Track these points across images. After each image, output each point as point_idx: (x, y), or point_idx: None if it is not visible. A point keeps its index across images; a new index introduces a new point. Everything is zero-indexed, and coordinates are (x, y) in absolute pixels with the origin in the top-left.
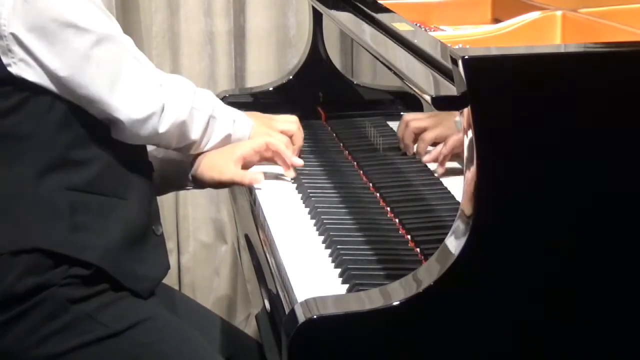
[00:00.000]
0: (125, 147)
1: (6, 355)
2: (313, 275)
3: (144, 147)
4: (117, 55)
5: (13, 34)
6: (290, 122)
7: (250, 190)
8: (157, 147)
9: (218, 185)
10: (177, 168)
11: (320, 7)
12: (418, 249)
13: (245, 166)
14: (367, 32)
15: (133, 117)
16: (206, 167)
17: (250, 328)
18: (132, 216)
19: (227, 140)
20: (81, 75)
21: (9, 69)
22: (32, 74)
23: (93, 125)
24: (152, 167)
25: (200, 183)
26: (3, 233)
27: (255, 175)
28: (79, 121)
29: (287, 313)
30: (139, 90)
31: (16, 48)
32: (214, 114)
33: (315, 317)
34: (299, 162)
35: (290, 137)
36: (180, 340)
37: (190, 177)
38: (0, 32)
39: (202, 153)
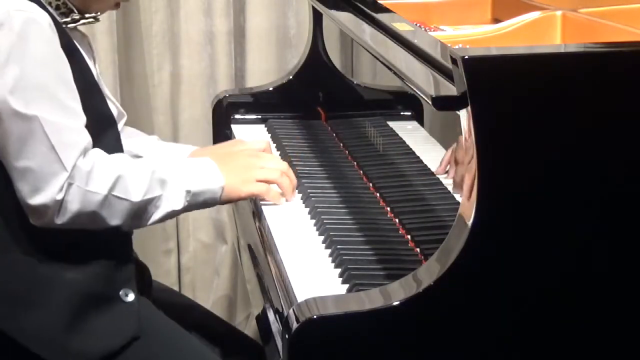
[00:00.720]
0: None
1: None
2: (313, 275)
3: None
4: (24, 130)
5: None
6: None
7: None
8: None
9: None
10: None
11: (320, 7)
12: (418, 249)
13: None
14: (367, 32)
15: (27, 201)
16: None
17: (250, 328)
18: (84, 285)
19: (177, 214)
20: None
21: None
22: None
23: None
24: (130, 231)
25: None
26: None
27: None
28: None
29: (287, 313)
30: (37, 176)
31: None
32: (151, 195)
33: (315, 317)
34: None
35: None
36: (177, 345)
37: None
38: None
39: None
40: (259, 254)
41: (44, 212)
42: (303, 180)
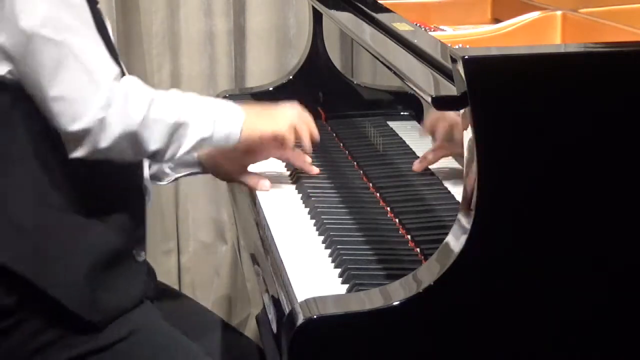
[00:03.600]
0: (106, 169)
1: None
2: (313, 275)
3: (137, 171)
4: (56, 57)
5: None
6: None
7: (250, 190)
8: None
9: (227, 179)
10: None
11: (320, 7)
12: (418, 249)
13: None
14: (367, 32)
15: (68, 129)
16: (225, 160)
17: (250, 328)
18: (106, 240)
19: (205, 143)
20: (29, 75)
21: None
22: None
23: None
24: (146, 192)
25: (207, 169)
26: None
27: (264, 182)
28: (58, 136)
29: (287, 313)
30: (75, 100)
31: None
32: (182, 119)
33: (315, 317)
34: (315, 170)
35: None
36: (173, 350)
37: (197, 161)
38: None
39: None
40: (259, 254)
41: (86, 138)
42: (303, 180)
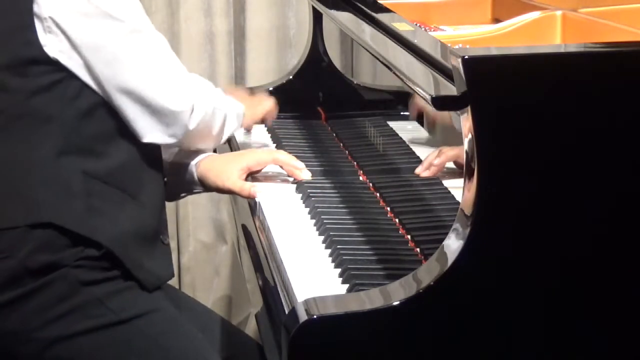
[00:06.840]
0: (143, 152)
1: (10, 336)
2: (313, 275)
3: (158, 159)
4: (150, 48)
5: (52, 18)
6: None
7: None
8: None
9: (217, 191)
10: (186, 171)
11: (320, 7)
12: (418, 249)
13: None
14: (367, 32)
15: (171, 107)
16: (211, 172)
17: (250, 328)
18: (143, 216)
19: (231, 135)
20: (114, 65)
21: (45, 49)
22: (66, 59)
23: (117, 122)
24: (164, 181)
25: (204, 186)
26: (19, 207)
27: (254, 188)
28: (103, 115)
29: (287, 313)
30: (172, 85)
31: (56, 30)
32: (227, 111)
33: (315, 317)
34: (307, 176)
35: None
36: (184, 336)
37: (197, 181)
38: (40, 13)
39: (201, 156)
40: (259, 254)
41: (181, 118)
42: (303, 180)
